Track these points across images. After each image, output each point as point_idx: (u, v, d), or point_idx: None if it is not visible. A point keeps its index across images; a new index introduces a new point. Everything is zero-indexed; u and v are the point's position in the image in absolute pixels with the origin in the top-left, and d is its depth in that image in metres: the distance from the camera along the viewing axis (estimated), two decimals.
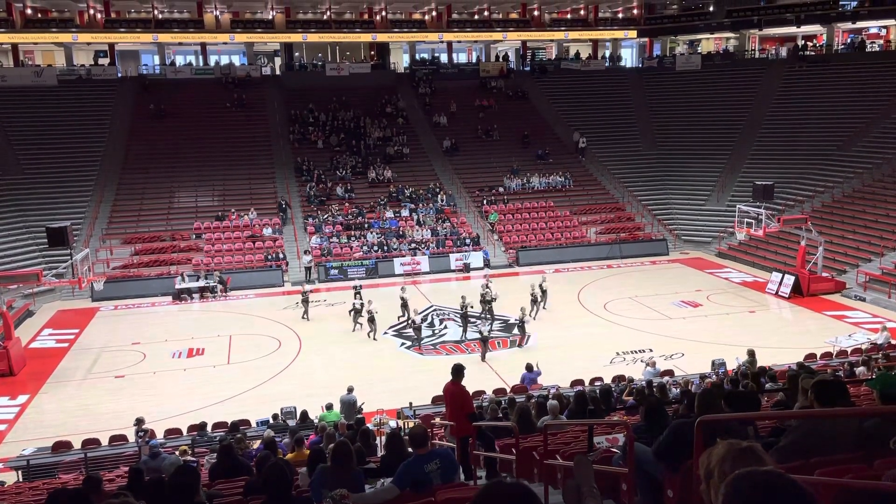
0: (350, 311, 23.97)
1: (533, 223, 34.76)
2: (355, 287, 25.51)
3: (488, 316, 23.57)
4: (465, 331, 22.61)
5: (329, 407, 15.39)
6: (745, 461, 2.13)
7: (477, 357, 20.57)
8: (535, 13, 47.27)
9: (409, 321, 23.13)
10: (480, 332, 21.15)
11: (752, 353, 16.71)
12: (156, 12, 42.40)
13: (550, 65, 47.03)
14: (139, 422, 14.50)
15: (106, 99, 38.89)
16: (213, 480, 8.36)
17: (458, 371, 9.37)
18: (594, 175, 38.74)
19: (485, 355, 20.61)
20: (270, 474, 4.89)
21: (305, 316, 24.75)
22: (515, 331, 22.34)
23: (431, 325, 23.80)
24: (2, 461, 14.22)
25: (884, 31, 43.15)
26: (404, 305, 24.03)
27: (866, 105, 35.98)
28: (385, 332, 22.88)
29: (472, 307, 23.24)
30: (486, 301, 23.94)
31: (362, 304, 23.72)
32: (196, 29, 42.34)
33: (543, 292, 25.03)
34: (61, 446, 14.32)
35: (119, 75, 41.36)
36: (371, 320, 22.78)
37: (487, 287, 24.65)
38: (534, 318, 23.51)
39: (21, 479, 13.34)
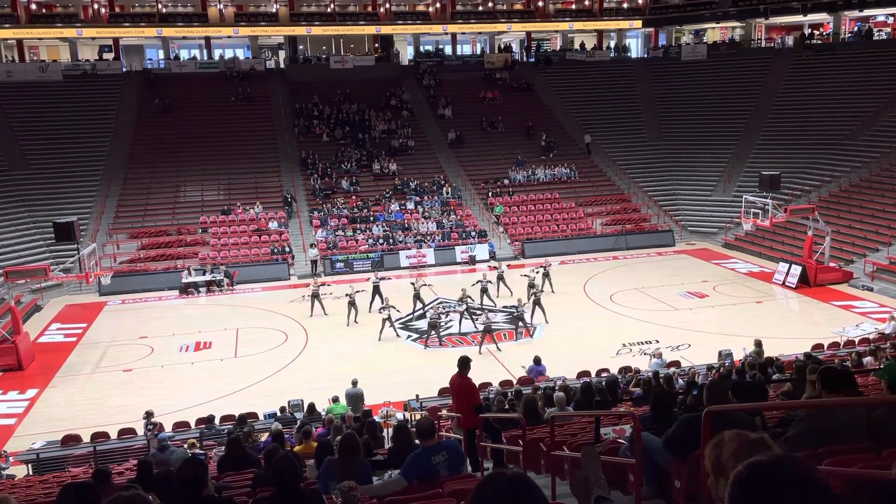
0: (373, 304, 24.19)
1: (538, 215, 34.69)
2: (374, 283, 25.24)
3: (488, 306, 23.63)
4: (461, 322, 22.66)
5: (336, 399, 15.44)
6: (755, 453, 2.12)
7: (484, 349, 20.57)
8: (540, 4, 47.05)
9: (427, 314, 23.02)
10: (488, 319, 21.16)
11: (759, 344, 16.63)
12: (160, 6, 42.39)
13: (555, 56, 46.76)
14: (148, 415, 14.58)
15: (111, 94, 38.94)
16: (221, 473, 8.40)
17: (464, 363, 9.38)
18: (600, 166, 38.61)
19: (481, 347, 20.62)
20: (279, 467, 4.91)
21: (323, 310, 24.43)
22: (520, 322, 22.25)
23: (438, 317, 23.78)
24: (12, 455, 14.31)
25: (891, 19, 42.82)
26: (417, 297, 24.14)
27: (874, 94, 35.70)
28: (392, 325, 22.84)
29: (471, 299, 23.26)
30: (485, 289, 24.43)
31: (375, 282, 24.71)
32: (200, 23, 42.35)
33: (546, 275, 25.48)
34: (70, 440, 14.40)
35: (124, 70, 41.37)
36: (352, 304, 23.25)
37: (489, 280, 24.83)
38: (531, 302, 23.01)
39: (31, 473, 13.43)
